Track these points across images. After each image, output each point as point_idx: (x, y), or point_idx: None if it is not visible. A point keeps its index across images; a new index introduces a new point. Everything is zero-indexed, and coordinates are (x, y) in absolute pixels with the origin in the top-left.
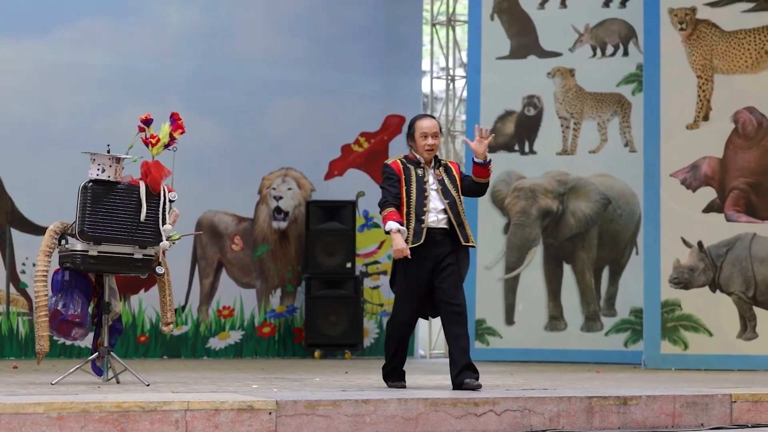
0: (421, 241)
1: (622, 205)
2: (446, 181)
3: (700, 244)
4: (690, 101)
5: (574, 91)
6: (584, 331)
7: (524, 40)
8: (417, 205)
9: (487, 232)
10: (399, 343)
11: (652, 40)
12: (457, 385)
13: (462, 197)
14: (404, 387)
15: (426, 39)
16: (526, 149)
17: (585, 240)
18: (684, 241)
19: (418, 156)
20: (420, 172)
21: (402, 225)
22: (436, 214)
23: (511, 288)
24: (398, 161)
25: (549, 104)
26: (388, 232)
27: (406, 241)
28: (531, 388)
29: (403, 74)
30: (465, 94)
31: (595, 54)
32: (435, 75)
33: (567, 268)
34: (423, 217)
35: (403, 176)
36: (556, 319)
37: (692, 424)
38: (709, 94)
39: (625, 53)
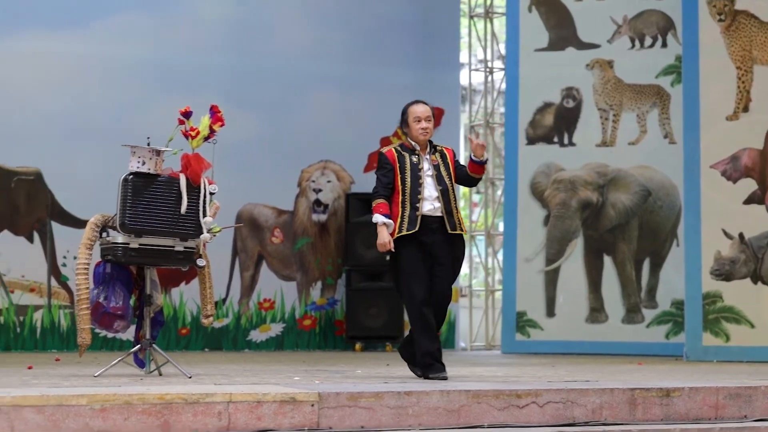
0: (416, 228)
1: (662, 196)
2: (441, 167)
3: (741, 235)
4: (729, 92)
5: (613, 82)
6: (625, 323)
7: (562, 32)
8: (411, 192)
9: (527, 224)
10: (429, 327)
11: (690, 31)
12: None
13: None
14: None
15: (464, 31)
16: (566, 141)
17: (625, 232)
18: (725, 233)
19: (413, 143)
20: (415, 159)
21: (389, 218)
22: (431, 202)
23: (551, 280)
24: (393, 149)
25: (588, 96)
26: (375, 224)
27: (401, 228)
28: (573, 380)
29: (441, 67)
30: (503, 86)
31: (633, 45)
32: (473, 67)
33: (607, 260)
34: (418, 205)
35: (398, 164)
36: (597, 311)
37: (735, 416)
38: (748, 85)
39: (664, 45)
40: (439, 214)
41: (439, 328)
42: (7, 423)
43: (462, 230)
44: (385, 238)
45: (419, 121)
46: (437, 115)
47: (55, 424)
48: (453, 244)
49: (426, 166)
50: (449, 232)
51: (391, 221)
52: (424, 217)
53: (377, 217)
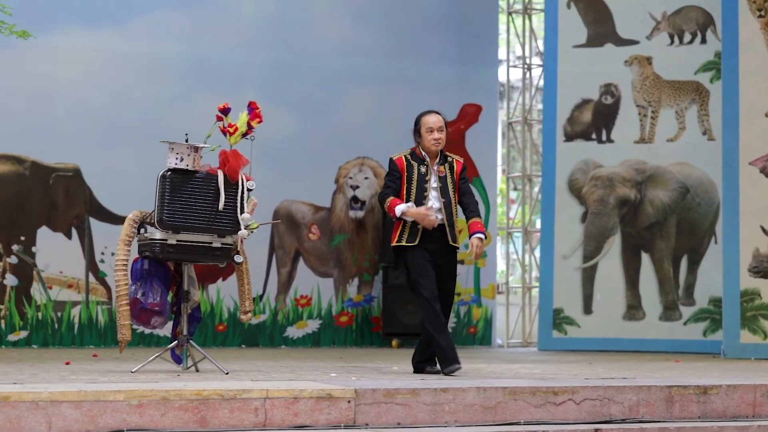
0: (416, 242)
1: (700, 193)
2: (447, 179)
3: None
4: None
5: (651, 79)
6: (663, 320)
7: (601, 28)
8: (416, 202)
9: (565, 221)
10: (443, 324)
11: (730, 27)
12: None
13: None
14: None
15: (502, 28)
16: (604, 138)
17: (663, 229)
18: (763, 230)
19: (423, 152)
20: (423, 169)
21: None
22: (434, 213)
23: (588, 277)
24: (403, 157)
25: (626, 92)
26: (400, 217)
27: (401, 238)
28: (610, 377)
29: (479, 63)
30: (542, 82)
31: (672, 42)
32: (511, 64)
33: (645, 257)
34: (436, 214)
35: (405, 173)
36: (634, 309)
37: None
38: None
39: (703, 41)
40: (441, 224)
41: (447, 327)
42: (45, 418)
43: (458, 244)
44: (422, 211)
45: (431, 131)
46: (474, 112)
47: (92, 419)
48: (451, 254)
49: (433, 178)
50: (450, 243)
51: (411, 203)
52: (426, 229)
53: (400, 207)
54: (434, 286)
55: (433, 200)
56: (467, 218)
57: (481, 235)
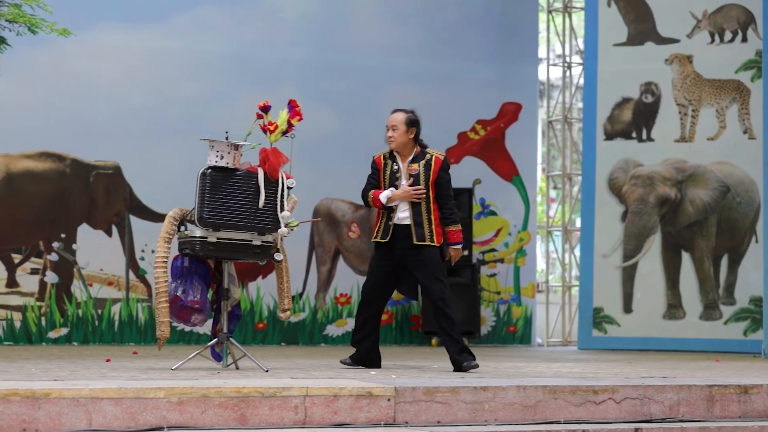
0: (387, 238)
1: (741, 192)
2: (420, 176)
3: None
4: None
5: (692, 77)
6: (703, 319)
7: (641, 27)
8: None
9: (605, 220)
10: (367, 314)
11: None
12: (457, 366)
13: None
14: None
15: (542, 26)
16: (644, 136)
17: (704, 228)
18: None
19: (396, 150)
20: (395, 167)
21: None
22: (403, 211)
23: (629, 276)
24: (381, 156)
25: (667, 91)
26: (386, 205)
27: (377, 234)
28: (650, 376)
29: (519, 61)
30: (581, 81)
31: (713, 40)
32: (551, 62)
33: (685, 257)
34: (392, 214)
35: (382, 171)
36: (674, 308)
37: None
38: None
39: (744, 39)
40: (408, 223)
41: (445, 326)
42: (86, 415)
43: (432, 242)
44: (403, 189)
45: (387, 129)
46: (514, 110)
47: (132, 416)
48: (420, 252)
49: (403, 176)
50: (413, 243)
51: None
52: (396, 226)
53: (383, 194)
54: (378, 283)
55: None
56: (443, 224)
57: (458, 246)
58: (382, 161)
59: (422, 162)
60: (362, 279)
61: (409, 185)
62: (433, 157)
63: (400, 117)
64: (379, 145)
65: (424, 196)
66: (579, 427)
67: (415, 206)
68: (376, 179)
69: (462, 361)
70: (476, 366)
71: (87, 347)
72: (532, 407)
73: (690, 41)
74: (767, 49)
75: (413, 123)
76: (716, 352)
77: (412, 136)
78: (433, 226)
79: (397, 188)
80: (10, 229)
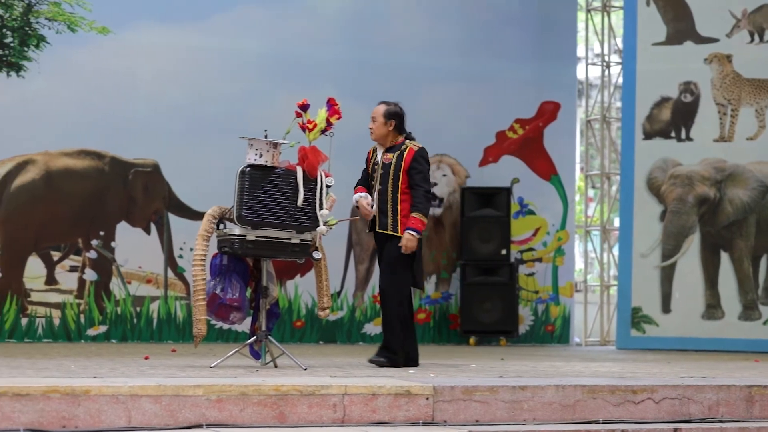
0: (369, 230)
1: None
2: (392, 167)
3: None
4: None
5: (731, 77)
6: (742, 319)
7: (680, 26)
8: (369, 190)
9: (643, 219)
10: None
11: None
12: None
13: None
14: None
15: (581, 25)
16: (683, 136)
17: (743, 228)
18: None
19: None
20: (377, 157)
21: (362, 195)
22: (369, 208)
23: (667, 276)
24: (373, 148)
25: (706, 90)
26: (354, 205)
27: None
28: (689, 376)
29: (557, 60)
30: (620, 80)
31: (752, 39)
32: (590, 61)
33: (724, 257)
34: (373, 202)
35: (370, 162)
36: (713, 308)
37: None
38: None
39: None
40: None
41: (385, 321)
42: (125, 412)
43: (396, 231)
44: (361, 203)
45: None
46: (553, 109)
47: (171, 414)
48: (385, 240)
49: (380, 166)
50: (377, 230)
51: (365, 194)
52: (374, 217)
53: (354, 197)
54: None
55: (377, 187)
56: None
57: (412, 232)
58: (372, 153)
59: (397, 153)
60: None
61: (380, 175)
62: (408, 147)
63: (380, 109)
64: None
65: (370, 216)
66: (618, 427)
67: (381, 194)
68: (366, 171)
69: (372, 356)
70: (379, 362)
71: (125, 345)
72: (571, 407)
73: (729, 40)
74: None
75: (392, 115)
76: (755, 352)
77: (391, 128)
78: (399, 216)
79: (374, 177)
80: (50, 227)
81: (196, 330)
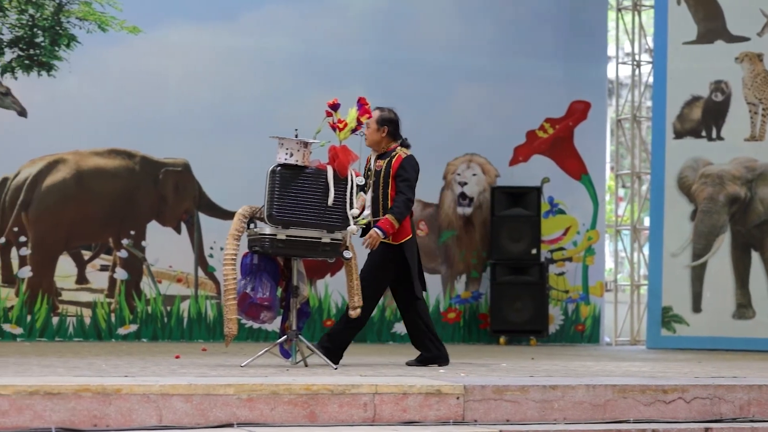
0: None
1: None
2: (381, 174)
3: None
4: None
5: (762, 76)
6: None
7: (711, 25)
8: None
9: (674, 218)
10: None
11: None
12: None
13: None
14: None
15: (611, 24)
16: (714, 135)
17: None
18: None
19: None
20: (372, 164)
21: (361, 211)
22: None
23: (698, 275)
24: (371, 155)
25: (737, 90)
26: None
27: None
28: (720, 375)
29: (588, 60)
30: (651, 79)
31: None
32: (620, 60)
33: (755, 256)
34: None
35: (365, 168)
36: (744, 307)
37: None
38: None
39: None
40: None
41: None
42: (156, 411)
43: (385, 239)
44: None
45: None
46: (583, 109)
47: (202, 413)
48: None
49: (373, 173)
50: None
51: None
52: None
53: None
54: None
55: (370, 194)
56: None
57: (378, 231)
58: (369, 159)
59: (387, 159)
60: (430, 277)
61: (372, 182)
62: (397, 155)
63: (374, 114)
64: (446, 142)
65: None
66: (648, 427)
67: (374, 202)
68: (364, 176)
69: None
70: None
71: (156, 344)
72: (602, 406)
73: (760, 39)
74: None
75: (385, 121)
76: None
77: (384, 134)
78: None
79: (368, 185)
80: (80, 226)
81: (227, 329)
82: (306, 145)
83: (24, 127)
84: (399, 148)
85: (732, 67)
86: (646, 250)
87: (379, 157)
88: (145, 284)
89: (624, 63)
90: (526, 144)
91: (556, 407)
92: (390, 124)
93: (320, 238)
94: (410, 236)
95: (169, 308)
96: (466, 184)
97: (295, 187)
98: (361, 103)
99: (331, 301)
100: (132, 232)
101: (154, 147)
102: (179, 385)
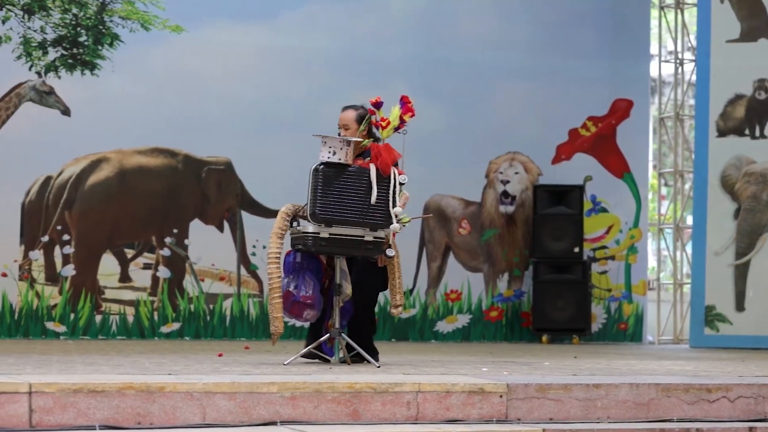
0: None
1: None
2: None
3: None
4: None
5: None
6: None
7: (755, 23)
8: None
9: (717, 217)
10: None
11: None
12: None
13: None
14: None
15: (654, 22)
16: (757, 133)
17: None
18: None
19: None
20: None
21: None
22: None
23: (741, 274)
24: None
25: None
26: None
27: None
28: (764, 374)
29: (630, 58)
30: (694, 78)
31: None
32: (663, 59)
33: None
34: None
35: None
36: None
37: None
38: None
39: None
40: None
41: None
42: (199, 409)
43: None
44: None
45: (339, 128)
46: (626, 107)
47: (245, 411)
48: None
49: None
50: None
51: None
52: None
53: None
54: None
55: None
56: None
57: None
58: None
59: (365, 158)
60: (473, 275)
61: None
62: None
63: (351, 115)
64: (489, 141)
65: None
66: (692, 426)
67: None
68: None
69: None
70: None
71: (199, 342)
72: (645, 405)
73: None
74: None
75: (362, 119)
76: None
77: (364, 133)
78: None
79: None
80: (123, 225)
81: (273, 328)
82: (349, 143)
83: (67, 126)
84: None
85: None
86: (688, 249)
87: (357, 156)
88: (188, 282)
89: (667, 61)
90: (569, 142)
91: (599, 406)
92: (366, 122)
93: (363, 236)
94: None
95: (211, 306)
96: (508, 182)
97: (338, 186)
98: (404, 102)
99: None
100: (175, 231)
101: (197, 145)
102: (223, 383)
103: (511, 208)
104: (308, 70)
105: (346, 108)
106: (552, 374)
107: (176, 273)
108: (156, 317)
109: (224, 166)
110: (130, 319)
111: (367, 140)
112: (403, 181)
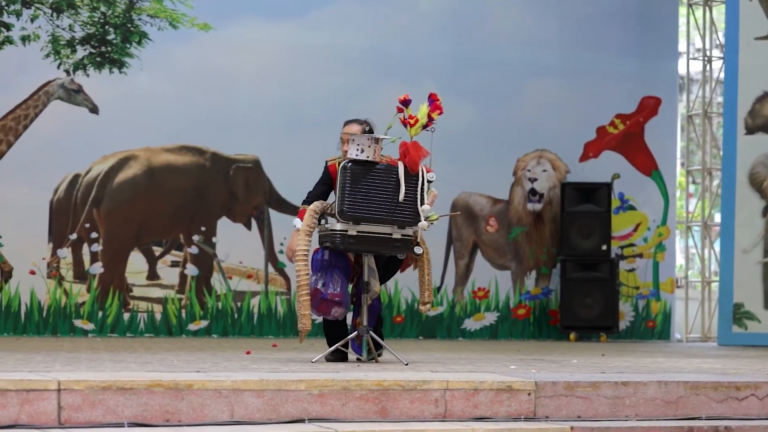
0: None
1: None
2: None
3: None
4: None
5: None
6: None
7: None
8: None
9: (745, 215)
10: None
11: None
12: None
13: None
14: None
15: (682, 20)
16: None
17: None
18: None
19: None
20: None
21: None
22: None
23: None
24: (336, 162)
25: None
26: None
27: None
28: None
29: (658, 55)
30: (722, 75)
31: None
32: (691, 56)
33: None
34: None
35: (336, 180)
36: None
37: None
38: None
39: None
40: None
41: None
42: (228, 406)
43: None
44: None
45: (342, 142)
46: (654, 104)
47: (273, 408)
48: None
49: None
50: None
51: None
52: None
53: (297, 222)
54: None
55: None
56: None
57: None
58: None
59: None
60: (500, 273)
61: None
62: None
63: (355, 129)
64: (516, 138)
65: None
66: (721, 424)
67: None
68: (329, 187)
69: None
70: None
71: (226, 339)
72: (674, 403)
73: None
74: None
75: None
76: None
77: None
78: None
79: None
80: (151, 222)
81: (301, 325)
82: (377, 141)
83: (95, 124)
84: None
85: None
86: (716, 247)
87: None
88: (216, 280)
89: (695, 58)
90: (597, 140)
91: (627, 404)
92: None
93: (391, 234)
94: None
95: (239, 304)
96: (536, 180)
97: (366, 183)
98: (433, 99)
99: (401, 297)
100: (203, 228)
101: (225, 143)
102: (251, 381)
103: (538, 206)
104: (337, 68)
105: (349, 122)
106: (580, 372)
107: (204, 271)
108: (184, 315)
109: (252, 164)
110: (158, 316)
111: (394, 138)
112: (432, 179)
